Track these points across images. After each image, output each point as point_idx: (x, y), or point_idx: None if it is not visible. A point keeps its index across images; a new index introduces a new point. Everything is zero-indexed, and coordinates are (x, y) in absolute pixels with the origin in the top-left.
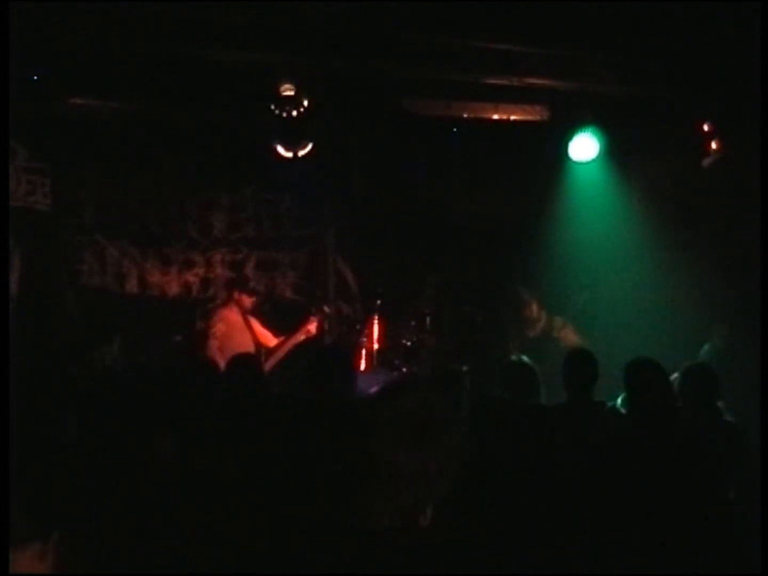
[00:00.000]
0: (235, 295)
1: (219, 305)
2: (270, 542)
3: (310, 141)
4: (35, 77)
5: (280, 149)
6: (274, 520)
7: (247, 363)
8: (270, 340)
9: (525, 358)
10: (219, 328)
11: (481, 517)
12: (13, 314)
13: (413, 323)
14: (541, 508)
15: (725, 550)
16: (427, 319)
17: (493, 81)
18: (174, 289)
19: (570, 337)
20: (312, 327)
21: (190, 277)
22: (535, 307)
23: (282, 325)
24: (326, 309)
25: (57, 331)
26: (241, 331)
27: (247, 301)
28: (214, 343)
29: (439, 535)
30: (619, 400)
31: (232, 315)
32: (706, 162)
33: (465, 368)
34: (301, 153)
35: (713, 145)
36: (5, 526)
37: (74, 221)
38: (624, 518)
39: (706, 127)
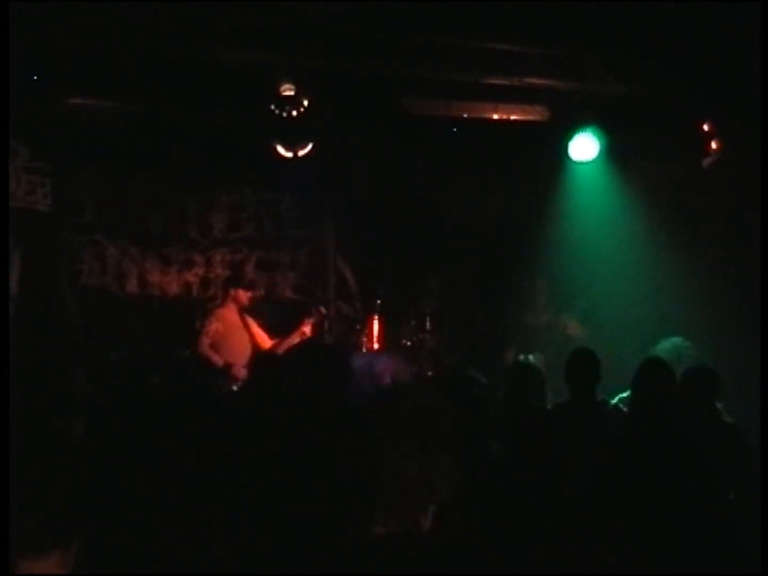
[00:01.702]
0: (231, 292)
1: (217, 305)
2: (273, 545)
3: (310, 141)
4: (35, 77)
5: (280, 149)
6: (275, 524)
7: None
8: (265, 341)
9: (531, 357)
10: (214, 327)
11: (483, 519)
12: (13, 314)
13: (413, 323)
14: (543, 509)
15: (725, 551)
16: (428, 319)
17: (493, 81)
18: (174, 289)
19: (574, 328)
20: (307, 329)
21: (190, 277)
22: (544, 297)
23: (282, 325)
24: (323, 310)
25: (57, 332)
26: (238, 331)
27: (244, 296)
28: (205, 340)
29: (440, 538)
30: (617, 399)
31: (229, 314)
32: (706, 162)
33: (474, 374)
34: (301, 153)
35: (713, 145)
36: (6, 528)
37: (74, 221)
38: (625, 518)
39: (706, 127)
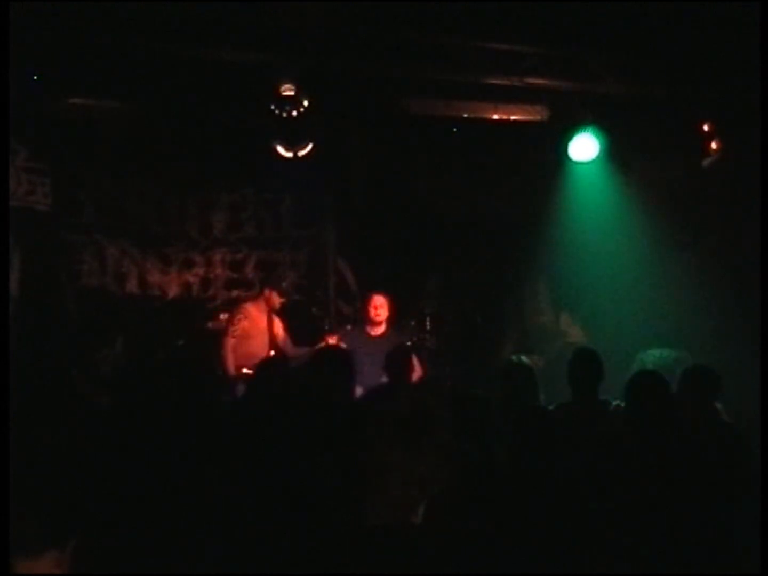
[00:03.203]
0: (266, 292)
1: (245, 299)
2: (265, 540)
3: (310, 141)
4: (35, 77)
5: (280, 149)
6: (268, 519)
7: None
8: (288, 347)
9: (524, 358)
10: (242, 325)
11: (478, 516)
12: (13, 314)
13: (413, 323)
14: (541, 507)
15: (725, 550)
16: (427, 319)
17: (493, 81)
18: (174, 289)
19: (576, 333)
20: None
21: (190, 277)
22: (544, 298)
23: (308, 334)
24: (348, 328)
25: (57, 331)
26: (261, 333)
27: (276, 300)
28: (229, 341)
29: (430, 532)
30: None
31: (257, 313)
32: (706, 162)
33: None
34: (301, 153)
35: (713, 145)
36: (6, 529)
37: (74, 221)
38: (625, 517)
39: (706, 127)
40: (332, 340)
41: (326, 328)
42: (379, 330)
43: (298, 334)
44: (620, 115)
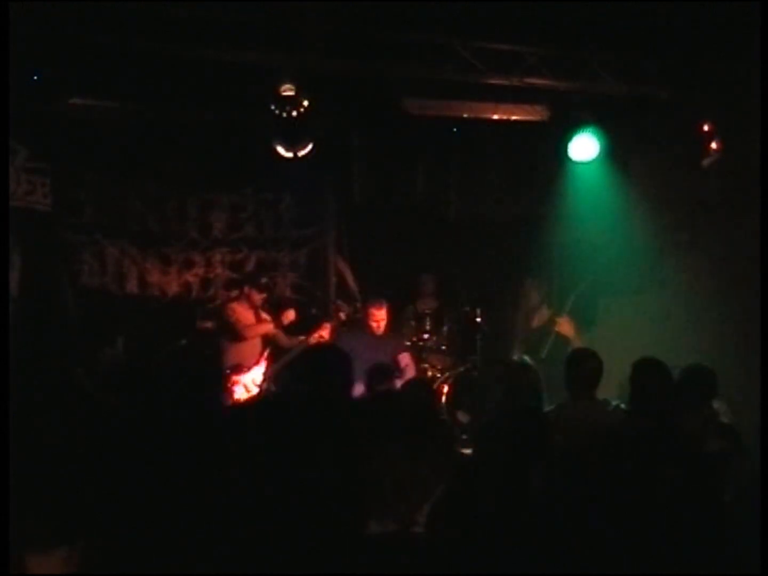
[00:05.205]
0: (246, 290)
1: (231, 299)
2: (265, 547)
3: (310, 141)
4: (35, 77)
5: (280, 149)
6: (267, 525)
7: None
8: (282, 339)
9: (527, 359)
10: (236, 318)
11: (477, 520)
12: (13, 314)
13: (413, 323)
14: (542, 508)
15: (722, 551)
16: (427, 319)
17: (493, 81)
18: (174, 289)
19: (568, 330)
20: (325, 332)
21: (190, 277)
22: (537, 298)
23: (301, 325)
24: (342, 316)
25: (57, 332)
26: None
27: (257, 297)
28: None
29: (435, 536)
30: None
31: (242, 309)
32: (706, 162)
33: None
34: (301, 153)
35: (713, 145)
36: (6, 527)
37: (74, 221)
38: (623, 518)
39: (706, 127)
40: (325, 331)
41: (318, 317)
42: (379, 330)
43: (291, 326)
44: (620, 115)
